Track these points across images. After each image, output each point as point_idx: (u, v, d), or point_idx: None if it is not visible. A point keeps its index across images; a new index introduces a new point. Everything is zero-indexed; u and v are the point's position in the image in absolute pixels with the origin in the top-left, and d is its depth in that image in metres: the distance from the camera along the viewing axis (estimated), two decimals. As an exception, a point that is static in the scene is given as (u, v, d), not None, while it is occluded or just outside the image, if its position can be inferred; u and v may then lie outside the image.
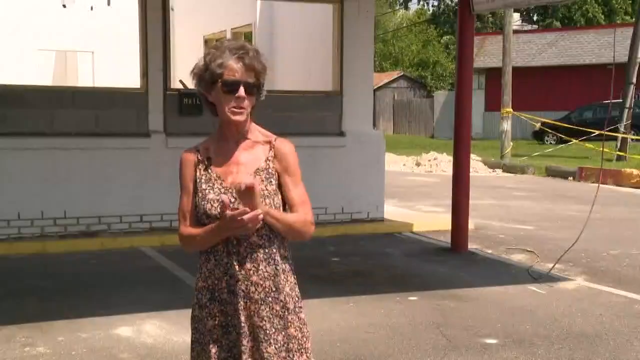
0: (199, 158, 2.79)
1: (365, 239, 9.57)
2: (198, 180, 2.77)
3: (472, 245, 9.00)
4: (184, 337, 5.35)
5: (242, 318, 2.68)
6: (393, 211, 11.18)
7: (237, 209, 2.52)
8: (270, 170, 2.71)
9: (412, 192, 14.75)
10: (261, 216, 2.55)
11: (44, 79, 17.43)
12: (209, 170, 2.75)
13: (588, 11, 45.25)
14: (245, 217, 2.51)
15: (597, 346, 5.36)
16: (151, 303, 6.28)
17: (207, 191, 2.73)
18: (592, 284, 7.26)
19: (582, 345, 5.38)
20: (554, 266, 7.72)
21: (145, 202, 9.14)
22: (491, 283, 7.20)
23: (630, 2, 45.04)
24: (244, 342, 2.69)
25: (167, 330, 5.60)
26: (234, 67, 2.63)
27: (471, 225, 9.40)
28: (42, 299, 6.48)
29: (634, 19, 26.28)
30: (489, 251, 8.92)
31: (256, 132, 2.78)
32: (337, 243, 9.22)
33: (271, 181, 2.70)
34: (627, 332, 5.71)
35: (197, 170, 2.79)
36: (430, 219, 10.94)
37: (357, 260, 8.31)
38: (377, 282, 7.23)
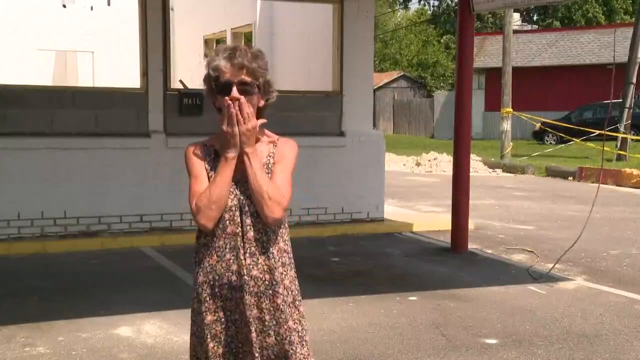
0: (207, 150, 2.81)
1: (365, 239, 9.57)
2: (207, 171, 2.78)
3: (472, 245, 9.00)
4: (184, 337, 5.35)
5: (248, 313, 2.71)
6: (393, 211, 11.18)
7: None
8: (270, 167, 2.76)
9: (412, 192, 14.75)
10: (246, 137, 2.63)
11: (44, 79, 17.45)
12: (217, 163, 2.75)
13: (588, 11, 45.24)
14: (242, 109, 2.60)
15: (597, 346, 5.36)
16: (151, 303, 6.28)
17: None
18: (592, 284, 7.26)
19: (582, 345, 5.38)
20: (554, 266, 7.72)
21: (145, 202, 9.14)
22: (491, 283, 7.20)
23: (631, 1, 45.03)
24: (253, 336, 2.72)
25: (167, 330, 5.60)
26: (223, 68, 2.65)
27: (471, 225, 9.40)
28: (42, 299, 6.48)
29: (634, 19, 26.28)
30: (489, 251, 8.92)
31: (261, 133, 2.82)
32: (337, 243, 9.22)
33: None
34: (627, 332, 5.71)
35: (206, 161, 2.79)
36: (430, 219, 10.94)
37: (357, 260, 8.31)
38: (377, 282, 7.23)
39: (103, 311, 6.04)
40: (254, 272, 2.72)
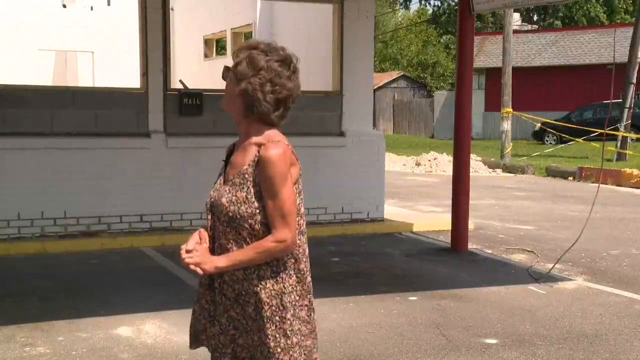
0: (228, 150, 2.86)
1: (365, 239, 9.57)
2: (220, 173, 2.84)
3: (472, 245, 9.00)
4: (184, 337, 5.33)
5: (214, 311, 2.79)
6: (393, 211, 11.18)
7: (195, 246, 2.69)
8: (247, 176, 2.65)
9: (412, 192, 14.75)
10: (198, 270, 2.64)
11: (44, 79, 17.44)
12: (223, 167, 2.81)
13: (590, 11, 45.24)
14: (186, 259, 2.65)
15: (597, 346, 5.36)
16: (151, 303, 6.28)
17: (214, 185, 2.80)
18: (592, 284, 7.26)
19: (582, 345, 5.38)
20: (554, 266, 7.72)
21: (145, 202, 9.13)
22: (491, 283, 7.19)
23: (631, 1, 45.03)
24: (210, 328, 2.79)
25: (167, 330, 5.60)
26: None
27: (471, 225, 9.40)
28: (42, 299, 6.48)
29: (634, 19, 26.29)
30: (489, 251, 8.92)
31: (258, 133, 2.69)
32: (337, 243, 9.22)
33: (243, 187, 2.65)
34: (627, 332, 5.71)
35: (224, 163, 2.84)
36: (430, 219, 10.94)
37: (357, 260, 8.31)
38: (377, 282, 7.23)
39: (103, 311, 6.04)
40: (225, 277, 2.73)
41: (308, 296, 2.75)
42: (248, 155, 2.66)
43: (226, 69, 2.70)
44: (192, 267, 2.62)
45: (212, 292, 2.78)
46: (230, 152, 2.81)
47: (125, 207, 9.09)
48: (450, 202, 9.08)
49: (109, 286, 6.98)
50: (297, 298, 2.71)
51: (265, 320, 2.66)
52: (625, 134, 21.15)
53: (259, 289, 2.66)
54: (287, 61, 2.67)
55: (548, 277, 7.44)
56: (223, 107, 2.74)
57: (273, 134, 2.69)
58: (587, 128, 21.82)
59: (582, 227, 7.96)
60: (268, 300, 2.66)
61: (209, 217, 2.74)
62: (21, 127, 8.77)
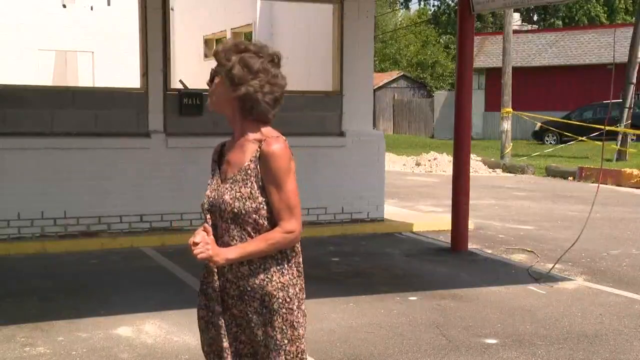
0: (221, 149, 2.88)
1: (365, 239, 9.57)
2: (212, 170, 2.86)
3: (472, 245, 9.00)
4: (184, 337, 5.35)
5: (219, 317, 2.76)
6: (393, 211, 11.18)
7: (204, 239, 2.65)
8: (249, 172, 2.68)
9: (412, 192, 14.75)
10: (218, 262, 2.63)
11: (44, 79, 17.44)
12: (217, 166, 2.83)
13: (590, 11, 45.25)
14: (200, 254, 2.61)
15: (597, 346, 5.36)
16: (151, 303, 6.28)
17: (208, 186, 2.80)
18: (592, 284, 7.26)
19: (582, 345, 5.38)
20: (554, 266, 7.72)
21: (145, 202, 9.13)
22: (491, 283, 7.20)
23: (631, 1, 45.04)
24: (224, 342, 2.74)
25: (167, 330, 5.59)
26: None
27: (471, 225, 9.40)
28: (42, 299, 6.48)
29: (634, 19, 26.29)
30: (489, 251, 8.92)
31: (254, 130, 2.73)
32: (337, 243, 9.22)
33: (247, 183, 2.68)
34: (627, 332, 5.71)
35: (214, 162, 2.87)
36: (430, 219, 10.94)
37: (357, 260, 8.31)
38: (377, 282, 7.23)
39: (103, 311, 6.04)
40: (229, 276, 2.74)
41: (304, 290, 2.81)
42: (248, 152, 2.70)
43: (214, 71, 2.74)
44: (211, 263, 2.64)
45: (205, 297, 2.81)
46: (220, 152, 2.85)
47: (125, 207, 9.09)
48: (450, 202, 9.08)
49: (109, 286, 6.98)
50: (299, 290, 2.76)
51: (273, 313, 2.69)
52: (625, 130, 21.11)
53: (265, 282, 2.70)
54: (275, 60, 2.75)
55: (548, 277, 7.44)
56: (213, 108, 2.76)
57: (270, 130, 2.75)
58: (588, 125, 21.77)
59: (582, 227, 7.96)
60: (275, 293, 2.69)
61: (208, 217, 2.75)
62: (21, 127, 8.77)
